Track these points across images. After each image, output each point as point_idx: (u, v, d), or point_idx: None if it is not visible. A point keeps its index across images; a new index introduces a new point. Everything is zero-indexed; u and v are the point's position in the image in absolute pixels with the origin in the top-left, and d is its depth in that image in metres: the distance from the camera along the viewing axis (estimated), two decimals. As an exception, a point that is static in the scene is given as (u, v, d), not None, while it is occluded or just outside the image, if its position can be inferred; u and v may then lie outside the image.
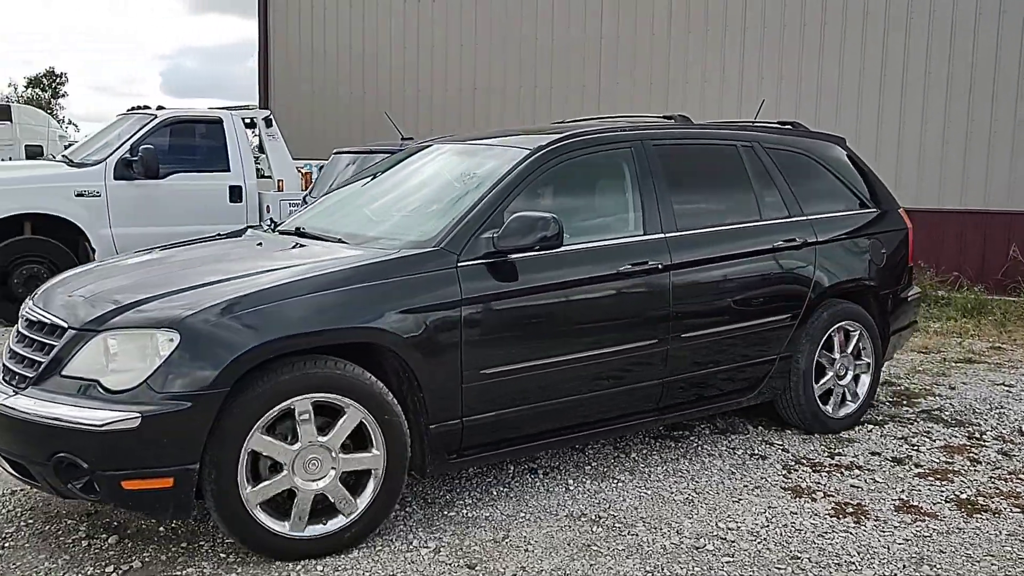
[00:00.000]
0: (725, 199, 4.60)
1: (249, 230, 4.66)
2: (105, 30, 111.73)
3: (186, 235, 5.71)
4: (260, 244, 4.16)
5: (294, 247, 3.93)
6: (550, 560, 3.28)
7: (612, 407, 4.06)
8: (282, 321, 3.15)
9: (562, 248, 3.72)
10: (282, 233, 4.28)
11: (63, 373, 3.11)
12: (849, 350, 4.87)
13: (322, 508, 3.27)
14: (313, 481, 3.21)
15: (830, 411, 4.80)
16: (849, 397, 4.90)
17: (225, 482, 3.05)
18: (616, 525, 3.60)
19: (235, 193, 8.73)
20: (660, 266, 4.04)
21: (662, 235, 4.13)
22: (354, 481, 3.32)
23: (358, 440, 3.31)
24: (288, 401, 3.13)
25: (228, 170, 8.75)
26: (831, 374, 4.80)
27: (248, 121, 9.36)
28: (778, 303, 4.52)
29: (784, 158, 4.81)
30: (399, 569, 3.19)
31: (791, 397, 4.67)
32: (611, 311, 3.99)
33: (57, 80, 52.83)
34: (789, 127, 5.21)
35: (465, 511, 3.73)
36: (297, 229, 4.23)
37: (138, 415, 2.92)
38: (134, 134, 8.38)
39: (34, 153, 22.34)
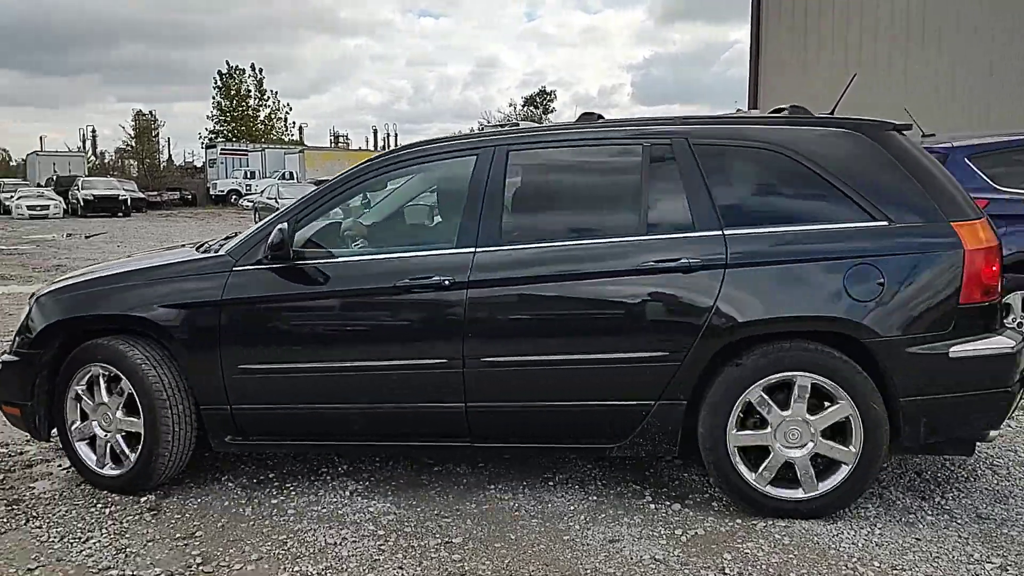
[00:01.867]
0: (594, 211, 3.94)
1: None
2: (583, 47, 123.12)
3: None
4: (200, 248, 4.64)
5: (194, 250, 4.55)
6: None
7: (405, 423, 3.93)
8: (79, 305, 4.14)
9: (346, 259, 3.99)
10: None
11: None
12: (805, 413, 3.61)
13: (118, 455, 4.08)
14: (105, 431, 4.09)
15: (752, 480, 3.68)
16: (801, 477, 3.64)
17: (57, 416, 4.17)
18: None
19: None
20: (447, 282, 3.73)
21: (471, 250, 3.78)
22: (136, 441, 4.03)
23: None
24: (88, 366, 4.06)
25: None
26: (768, 430, 3.64)
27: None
28: (642, 336, 3.69)
29: (725, 156, 3.80)
30: (962, 581, 3.14)
31: (703, 455, 3.74)
32: (382, 326, 3.92)
33: (547, 97, 59.74)
34: (780, 114, 4.02)
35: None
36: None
37: (2, 362, 4.26)
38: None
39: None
